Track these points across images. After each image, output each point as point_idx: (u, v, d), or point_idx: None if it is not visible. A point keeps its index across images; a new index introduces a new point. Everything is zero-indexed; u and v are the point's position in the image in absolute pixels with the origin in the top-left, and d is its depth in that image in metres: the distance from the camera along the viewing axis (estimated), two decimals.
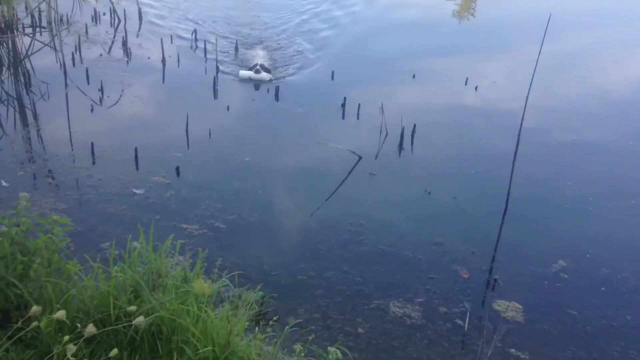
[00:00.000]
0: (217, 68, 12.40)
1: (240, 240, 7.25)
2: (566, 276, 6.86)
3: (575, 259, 7.16)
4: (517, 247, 7.38)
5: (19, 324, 3.32)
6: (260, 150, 9.44)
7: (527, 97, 8.12)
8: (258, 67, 11.78)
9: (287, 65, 13.05)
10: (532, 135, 9.77)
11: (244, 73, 11.93)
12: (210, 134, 9.79)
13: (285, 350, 5.09)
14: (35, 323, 2.87)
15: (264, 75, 11.81)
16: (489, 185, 8.78)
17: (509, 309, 6.29)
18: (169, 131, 9.87)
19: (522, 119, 8.20)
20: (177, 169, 8.62)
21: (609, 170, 9.40)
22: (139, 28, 14.65)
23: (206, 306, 4.43)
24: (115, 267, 4.63)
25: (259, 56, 12.90)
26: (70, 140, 9.15)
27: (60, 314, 2.86)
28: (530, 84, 8.13)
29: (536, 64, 8.13)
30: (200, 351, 4.09)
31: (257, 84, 11.84)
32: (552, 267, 7.00)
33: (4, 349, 4.16)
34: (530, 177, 8.86)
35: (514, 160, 8.19)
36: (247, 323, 4.71)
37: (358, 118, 10.84)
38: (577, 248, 7.38)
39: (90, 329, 2.87)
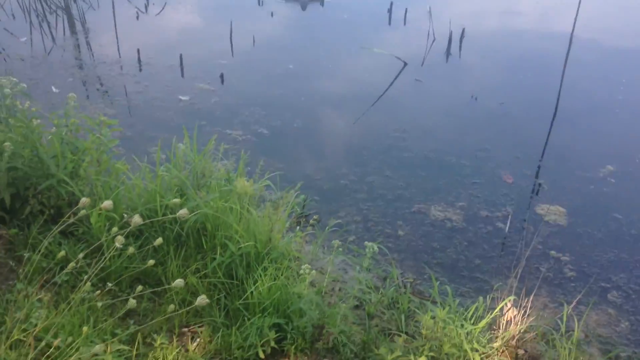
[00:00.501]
0: None
1: (283, 145, 7.33)
2: (613, 181, 6.75)
3: (624, 163, 7.01)
4: (564, 152, 7.26)
5: (70, 219, 3.48)
6: (304, 58, 9.36)
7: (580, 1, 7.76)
8: None
9: None
10: (584, 41, 9.39)
11: None
12: (254, 41, 9.73)
13: (325, 248, 5.22)
14: (83, 212, 2.99)
15: None
16: (538, 90, 8.56)
17: (552, 212, 6.26)
18: (213, 38, 9.86)
19: (575, 22, 7.87)
20: (222, 76, 8.66)
21: None
22: None
23: (248, 205, 4.55)
24: (162, 168, 4.77)
25: None
26: (118, 48, 9.25)
27: (107, 203, 2.97)
28: None
29: None
30: (243, 246, 4.23)
31: None
32: (600, 171, 6.89)
33: (56, 243, 4.40)
34: (581, 83, 8.60)
35: (564, 65, 7.93)
36: (288, 223, 4.84)
37: (405, 24, 10.58)
38: (627, 153, 7.22)
39: (137, 219, 2.98)
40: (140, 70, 8.68)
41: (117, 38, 9.55)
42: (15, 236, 4.45)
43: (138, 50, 8.93)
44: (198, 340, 3.92)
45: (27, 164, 4.50)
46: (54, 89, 7.81)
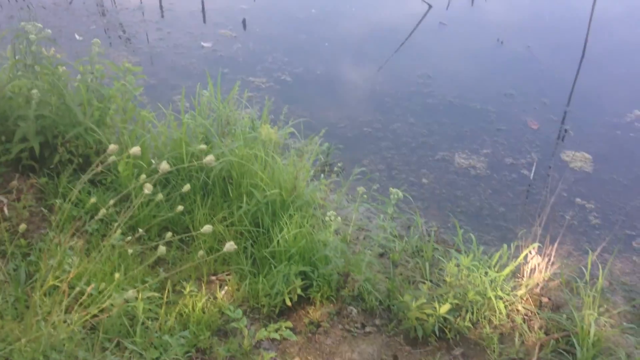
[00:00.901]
0: None
1: (306, 92, 7.29)
2: None
3: None
4: (591, 98, 7.14)
5: (99, 167, 3.52)
6: (327, 1, 9.23)
7: None
8: None
9: None
10: None
11: None
12: None
13: (350, 196, 5.25)
14: (112, 158, 3.02)
15: None
16: (566, 35, 8.37)
17: (577, 159, 6.20)
18: None
19: None
20: (244, 21, 8.57)
21: None
22: None
23: (273, 152, 4.57)
24: (187, 115, 4.79)
25: None
26: None
27: (135, 149, 2.99)
28: None
29: None
30: (268, 194, 4.26)
31: None
32: (627, 116, 6.78)
33: (86, 192, 4.47)
34: (607, 27, 8.38)
35: (592, 10, 7.70)
36: (312, 171, 4.85)
37: None
38: None
39: (164, 165, 3.01)
40: (162, 16, 8.61)
41: None
42: (45, 185, 4.52)
43: None
44: (226, 288, 4.00)
45: (54, 111, 4.54)
46: (77, 37, 7.80)
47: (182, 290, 3.80)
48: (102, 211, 3.18)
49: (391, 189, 3.99)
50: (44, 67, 4.57)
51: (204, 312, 3.70)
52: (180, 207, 3.18)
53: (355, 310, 3.96)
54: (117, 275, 3.17)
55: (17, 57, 4.61)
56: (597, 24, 7.82)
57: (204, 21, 8.58)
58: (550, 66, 7.73)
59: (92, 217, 4.16)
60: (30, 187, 4.51)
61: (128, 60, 7.40)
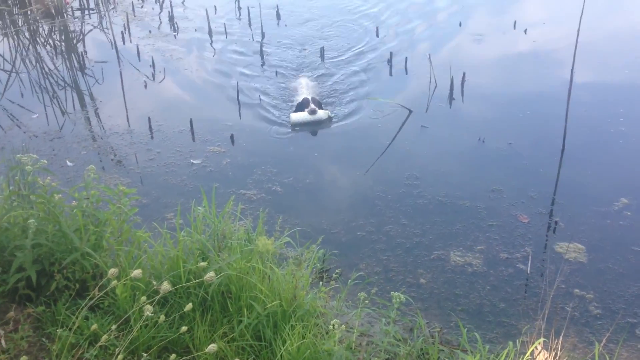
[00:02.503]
0: (263, 34, 12.49)
1: (298, 201, 7.40)
2: (629, 213, 6.76)
3: (638, 195, 7.03)
4: (576, 188, 7.29)
5: (96, 292, 3.52)
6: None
7: (578, 37, 7.88)
8: (312, 105, 9.08)
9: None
10: (585, 76, 9.53)
11: (297, 117, 9.14)
12: (260, 99, 9.92)
13: (350, 302, 5.22)
14: (114, 282, 3.04)
15: (321, 114, 9.13)
16: (544, 128, 8.65)
17: (571, 250, 6.25)
18: (221, 100, 10.05)
19: (574, 60, 7.99)
20: (232, 137, 8.79)
21: None
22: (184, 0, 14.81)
23: (271, 263, 4.58)
24: (182, 233, 4.83)
25: (302, 85, 10.21)
26: (128, 117, 9.42)
27: (137, 272, 3.02)
28: (580, 22, 7.86)
29: (584, 1, 7.85)
30: (269, 306, 4.24)
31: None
32: (614, 205, 6.90)
33: (83, 317, 4.42)
34: (585, 118, 8.68)
35: (568, 102, 8.02)
36: (310, 279, 4.85)
37: (406, 73, 10.78)
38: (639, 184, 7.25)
39: (166, 285, 3.03)
40: (152, 137, 8.82)
41: (126, 107, 9.74)
42: (42, 313, 4.48)
43: (148, 119, 9.10)
44: None
45: (50, 239, 4.57)
46: (68, 163, 7.94)
47: None
48: (105, 337, 3.16)
49: (393, 293, 4.00)
50: (39, 196, 4.65)
51: None
52: (184, 328, 3.17)
53: None
54: None
55: (11, 188, 4.70)
56: (573, 117, 8.10)
57: (193, 139, 8.79)
58: (532, 161, 7.93)
59: (91, 344, 4.10)
60: (28, 317, 4.46)
61: (120, 182, 7.54)
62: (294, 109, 9.37)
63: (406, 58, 10.95)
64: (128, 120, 9.32)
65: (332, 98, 10.06)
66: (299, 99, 9.49)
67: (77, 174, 7.65)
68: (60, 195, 4.76)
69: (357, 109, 9.65)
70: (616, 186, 7.23)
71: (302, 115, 9.07)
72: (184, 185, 7.64)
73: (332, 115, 9.29)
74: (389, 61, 11.09)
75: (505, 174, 7.74)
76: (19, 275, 4.44)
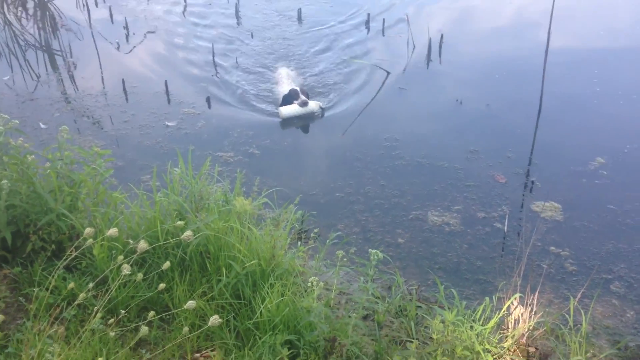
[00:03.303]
0: None
1: (275, 163, 7.35)
2: (605, 172, 6.83)
3: (613, 154, 7.11)
4: (553, 148, 7.34)
5: (72, 252, 3.48)
6: (288, 66, 9.47)
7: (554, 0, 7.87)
8: (302, 97, 8.30)
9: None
10: (561, 39, 9.52)
11: (287, 110, 8.31)
12: (237, 61, 9.79)
13: (328, 261, 5.23)
14: (90, 241, 3.00)
15: (312, 105, 8.41)
16: (521, 90, 8.66)
17: (547, 209, 6.32)
18: (196, 63, 9.90)
19: (550, 22, 7.98)
20: (208, 99, 8.68)
21: (636, 66, 9.29)
22: None
23: (249, 224, 4.56)
24: (159, 194, 4.78)
25: (283, 76, 9.32)
26: (101, 80, 9.25)
27: (112, 231, 2.98)
28: None
29: None
30: (247, 265, 4.23)
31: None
32: (590, 164, 6.97)
33: (61, 277, 4.38)
34: (561, 79, 8.72)
35: (544, 63, 8.04)
36: (289, 239, 4.84)
37: (384, 34, 10.70)
38: (615, 144, 7.32)
39: (142, 244, 3.00)
40: (127, 100, 8.68)
41: (100, 69, 9.56)
42: (19, 274, 4.43)
43: (122, 81, 8.94)
44: None
45: (25, 200, 4.49)
46: (42, 125, 7.79)
47: None
48: (82, 296, 3.13)
49: (371, 250, 4.00)
50: (12, 157, 4.55)
51: None
52: (162, 285, 3.15)
53: None
54: (100, 359, 3.09)
55: None
56: (550, 79, 8.13)
57: (169, 102, 8.67)
58: (510, 122, 7.96)
59: (69, 304, 4.06)
60: (4, 278, 4.41)
61: (94, 144, 7.41)
62: (281, 101, 8.49)
63: (384, 19, 10.85)
64: (102, 83, 9.15)
65: (308, 60, 9.97)
66: (282, 89, 8.79)
67: (50, 136, 7.50)
68: (33, 156, 4.66)
69: (334, 70, 9.58)
70: (592, 146, 7.30)
71: (293, 109, 8.28)
72: (159, 148, 7.55)
73: (324, 106, 8.58)
74: (367, 23, 10.99)
75: (482, 135, 7.76)
76: None
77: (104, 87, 8.99)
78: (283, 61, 9.98)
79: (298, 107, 8.26)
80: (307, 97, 8.39)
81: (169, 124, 8.11)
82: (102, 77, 9.33)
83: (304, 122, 8.32)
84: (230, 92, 9.02)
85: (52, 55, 10.13)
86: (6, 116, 4.55)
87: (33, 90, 8.85)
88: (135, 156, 7.36)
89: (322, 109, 8.48)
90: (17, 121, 4.61)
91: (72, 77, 9.32)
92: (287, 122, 8.27)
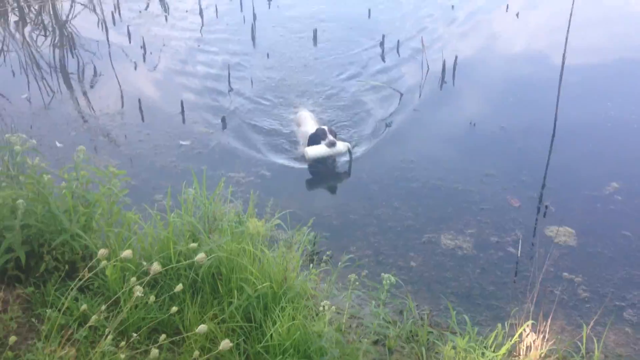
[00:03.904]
0: (254, 15, 12.37)
1: (288, 184, 7.39)
2: (619, 198, 6.79)
3: (629, 179, 7.07)
4: (567, 173, 7.31)
5: (86, 273, 3.50)
6: (302, 96, 9.52)
7: (570, 20, 7.88)
8: (330, 137, 7.67)
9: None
10: (576, 59, 9.52)
11: (314, 151, 7.69)
12: (252, 83, 9.87)
13: (340, 284, 5.22)
14: (104, 262, 3.02)
15: (340, 146, 7.75)
16: (536, 112, 8.66)
17: (561, 234, 6.28)
18: (212, 83, 9.99)
19: (566, 43, 7.99)
20: (224, 119, 8.75)
21: None
22: None
23: (261, 245, 4.57)
24: (172, 214, 4.80)
25: (305, 117, 8.67)
26: (118, 99, 9.35)
27: (127, 253, 3.01)
28: (572, 4, 7.85)
29: None
30: (259, 287, 4.24)
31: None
32: (605, 189, 6.93)
33: (73, 298, 4.40)
34: (575, 102, 8.70)
35: (559, 85, 8.04)
36: (301, 261, 4.84)
37: (399, 55, 10.75)
38: (630, 169, 7.29)
39: (156, 266, 3.01)
40: (142, 119, 8.77)
41: (116, 89, 9.67)
42: (31, 294, 4.45)
43: (139, 100, 9.04)
44: None
45: (40, 220, 4.53)
46: (58, 144, 7.88)
47: None
48: (94, 318, 3.15)
49: (383, 274, 4.00)
50: (28, 177, 4.60)
51: None
52: (174, 308, 3.16)
53: None
54: None
55: (0, 169, 4.65)
56: (564, 101, 8.12)
57: (183, 122, 8.74)
58: (524, 145, 7.95)
59: (80, 325, 4.08)
60: (17, 298, 4.44)
61: (109, 163, 7.46)
62: (307, 142, 7.85)
63: (398, 41, 10.91)
64: (118, 102, 9.25)
65: (322, 79, 10.03)
66: (306, 129, 8.16)
67: (66, 155, 7.56)
68: (49, 176, 4.70)
69: (348, 90, 9.63)
70: (606, 170, 7.26)
71: (320, 149, 7.62)
72: (173, 167, 7.61)
73: (352, 146, 7.95)
74: (381, 44, 11.05)
75: (497, 158, 7.76)
76: (7, 256, 4.40)
77: (119, 107, 9.10)
78: (302, 98, 9.59)
79: (326, 147, 7.61)
80: (335, 136, 7.77)
81: (183, 142, 8.17)
82: (119, 96, 9.43)
83: (331, 162, 7.86)
84: (244, 113, 9.09)
85: (69, 74, 10.27)
86: (24, 136, 4.60)
87: (49, 109, 8.96)
88: (149, 176, 7.41)
89: (351, 150, 7.86)
90: (34, 141, 4.66)
91: (88, 97, 9.45)
92: (313, 162, 7.80)
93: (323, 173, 7.72)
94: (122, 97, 9.41)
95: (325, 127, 7.82)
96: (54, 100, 9.25)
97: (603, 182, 7.03)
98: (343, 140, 8.02)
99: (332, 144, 7.59)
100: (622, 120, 8.37)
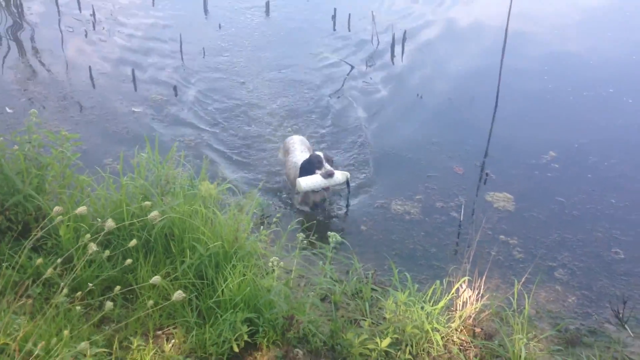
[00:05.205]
0: None
1: (240, 150, 7.51)
2: (556, 166, 7.17)
3: (565, 149, 7.46)
4: (509, 142, 7.67)
5: (39, 233, 3.58)
6: (253, 65, 9.61)
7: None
8: (327, 166, 6.45)
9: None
10: (518, 35, 9.87)
11: (307, 182, 6.43)
12: (204, 52, 9.90)
13: (289, 246, 5.41)
14: (59, 217, 3.13)
15: (338, 177, 6.52)
16: (480, 85, 8.98)
17: (500, 199, 6.61)
18: (163, 51, 9.98)
19: (508, 19, 8.28)
20: (175, 88, 8.79)
21: (584, 65, 9.79)
22: None
23: (214, 208, 4.72)
24: (125, 178, 4.90)
25: (295, 142, 7.27)
26: (68, 67, 9.26)
27: (81, 209, 3.12)
28: None
29: None
30: (211, 246, 4.39)
31: None
32: (543, 158, 7.30)
33: (26, 257, 4.48)
34: (517, 75, 9.05)
35: (501, 59, 8.34)
36: (252, 223, 5.01)
37: (349, 29, 10.93)
38: (566, 139, 7.68)
39: (110, 222, 3.14)
40: (93, 86, 8.74)
41: (66, 56, 9.57)
42: None
43: (89, 67, 8.99)
44: (173, 341, 4.07)
45: None
46: (8, 110, 7.81)
47: (130, 345, 3.86)
48: (50, 271, 3.27)
49: (329, 232, 4.21)
50: None
51: None
52: (128, 260, 3.30)
53: (301, 352, 4.10)
54: (66, 332, 3.24)
55: None
56: (506, 76, 8.44)
57: (135, 89, 8.75)
58: (469, 116, 8.27)
59: (34, 282, 4.18)
60: None
61: (60, 129, 7.44)
62: (299, 171, 6.60)
63: (349, 14, 11.06)
64: (68, 70, 9.17)
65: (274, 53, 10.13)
66: (296, 160, 6.87)
67: (17, 121, 7.53)
68: (1, 139, 4.74)
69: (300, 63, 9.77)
70: (545, 140, 7.63)
71: (315, 180, 6.42)
72: (125, 133, 7.65)
73: (349, 176, 6.71)
74: (333, 17, 11.18)
75: (443, 128, 8.08)
76: None
77: (69, 74, 9.02)
78: (294, 125, 8.36)
79: (321, 178, 6.43)
80: (332, 164, 6.59)
81: (135, 110, 8.20)
82: (69, 64, 9.35)
83: (323, 193, 6.73)
84: (197, 80, 9.14)
85: (19, 41, 10.09)
86: None
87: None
88: (101, 141, 7.44)
89: (349, 181, 6.70)
90: None
91: (38, 64, 9.32)
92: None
93: (275, 138, 7.85)
94: (71, 65, 9.33)
95: (321, 154, 6.60)
96: (3, 68, 9.11)
97: (541, 150, 7.40)
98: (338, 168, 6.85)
99: (329, 175, 6.40)
100: (559, 93, 8.77)
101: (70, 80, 8.83)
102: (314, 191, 6.51)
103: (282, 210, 6.47)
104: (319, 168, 6.42)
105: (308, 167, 6.49)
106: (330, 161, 6.55)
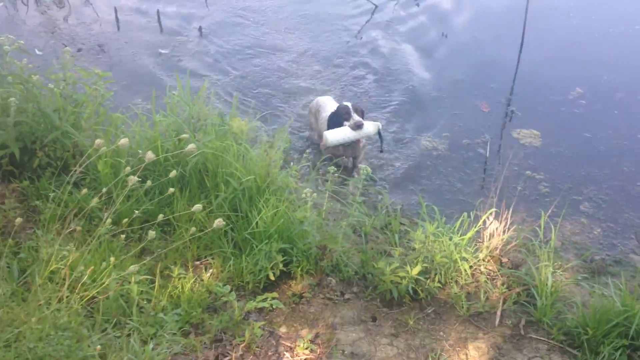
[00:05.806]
0: None
1: (270, 87, 7.57)
2: (583, 102, 7.15)
3: (592, 85, 7.42)
4: (534, 79, 7.65)
5: (79, 168, 3.68)
6: (282, 11, 9.65)
7: None
8: (355, 117, 5.92)
9: None
10: None
11: (334, 136, 5.92)
12: None
13: (320, 181, 5.54)
14: (104, 149, 3.25)
15: (369, 127, 6.02)
16: (506, 23, 8.89)
17: (527, 136, 6.64)
18: None
19: None
20: (200, 28, 8.81)
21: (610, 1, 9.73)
22: None
23: (245, 144, 4.83)
24: (157, 115, 5.01)
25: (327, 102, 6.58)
26: (94, 9, 9.30)
27: (124, 140, 3.22)
28: None
29: None
30: (244, 181, 4.52)
31: None
32: (569, 94, 7.28)
33: (68, 192, 4.64)
34: (543, 13, 8.92)
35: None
36: (283, 159, 5.11)
37: None
38: (593, 74, 7.64)
39: (150, 154, 3.24)
40: (118, 29, 8.79)
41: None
42: (27, 188, 4.68)
43: (115, 9, 9.03)
44: (211, 270, 4.25)
45: (31, 118, 4.71)
46: (37, 52, 7.89)
47: (171, 274, 4.03)
48: (95, 200, 3.41)
49: (360, 165, 4.30)
50: (17, 77, 4.74)
51: (193, 292, 3.94)
52: (171, 189, 3.42)
53: (334, 281, 4.26)
54: (112, 259, 3.41)
55: None
56: (533, 13, 8.33)
57: (161, 30, 8.78)
58: (494, 54, 8.23)
59: (76, 215, 4.34)
60: (13, 192, 4.67)
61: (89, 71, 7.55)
62: (327, 123, 6.12)
63: None
64: (93, 12, 9.21)
65: None
66: (328, 114, 6.22)
67: (46, 62, 7.61)
68: (37, 76, 4.85)
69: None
70: (571, 77, 7.60)
71: (344, 132, 5.91)
72: (154, 74, 7.72)
73: (381, 127, 6.18)
74: None
75: (469, 66, 8.08)
76: (2, 152, 4.60)
77: (98, 16, 9.07)
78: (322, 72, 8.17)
79: (350, 130, 5.92)
80: (362, 115, 6.08)
81: (162, 51, 8.25)
82: (95, 6, 9.38)
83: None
84: (222, 21, 9.14)
85: None
86: (12, 36, 4.71)
87: (28, 18, 8.92)
88: (131, 81, 7.50)
89: (381, 131, 6.18)
90: (22, 42, 4.78)
91: (65, 5, 9.36)
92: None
93: (299, 72, 7.87)
94: (97, 7, 9.36)
95: (349, 104, 6.09)
96: (30, 10, 9.17)
97: (568, 87, 7.38)
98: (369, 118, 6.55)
99: (358, 126, 5.88)
100: (585, 30, 8.70)
101: (95, 22, 8.88)
102: (343, 146, 6.07)
103: (314, 145, 6.54)
104: (347, 120, 5.93)
105: (335, 119, 6.01)
106: (359, 112, 6.02)
